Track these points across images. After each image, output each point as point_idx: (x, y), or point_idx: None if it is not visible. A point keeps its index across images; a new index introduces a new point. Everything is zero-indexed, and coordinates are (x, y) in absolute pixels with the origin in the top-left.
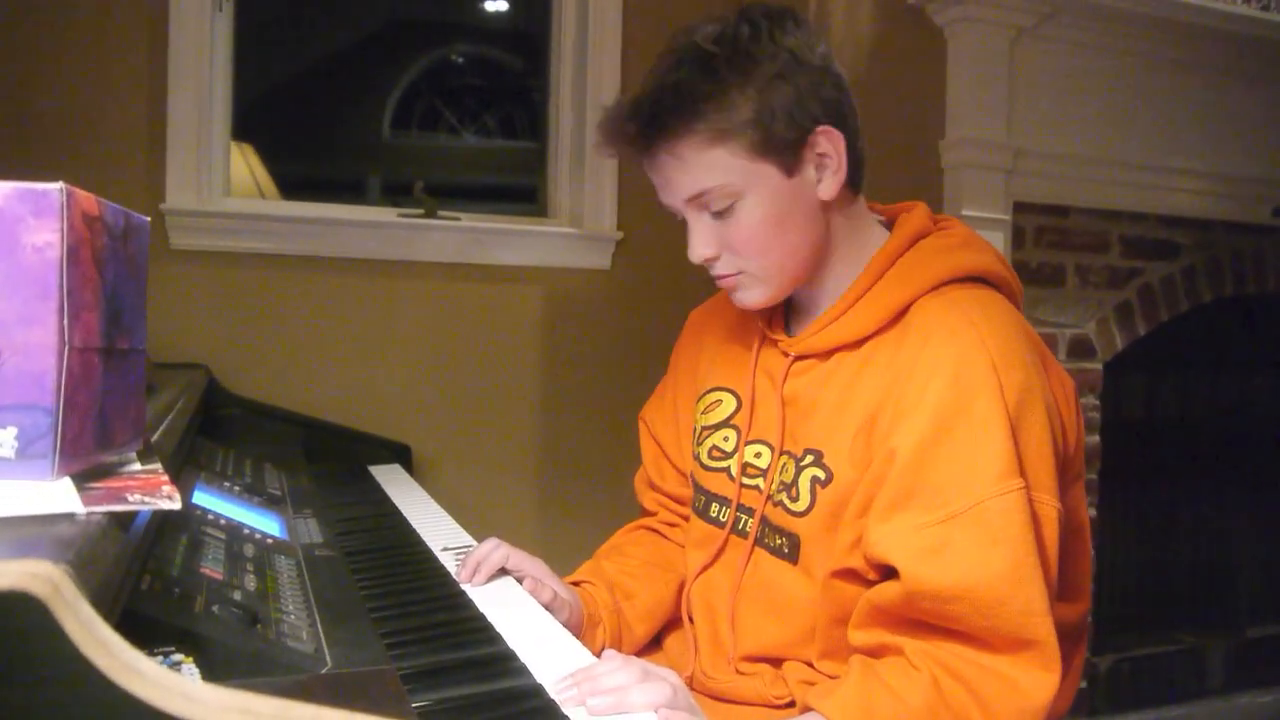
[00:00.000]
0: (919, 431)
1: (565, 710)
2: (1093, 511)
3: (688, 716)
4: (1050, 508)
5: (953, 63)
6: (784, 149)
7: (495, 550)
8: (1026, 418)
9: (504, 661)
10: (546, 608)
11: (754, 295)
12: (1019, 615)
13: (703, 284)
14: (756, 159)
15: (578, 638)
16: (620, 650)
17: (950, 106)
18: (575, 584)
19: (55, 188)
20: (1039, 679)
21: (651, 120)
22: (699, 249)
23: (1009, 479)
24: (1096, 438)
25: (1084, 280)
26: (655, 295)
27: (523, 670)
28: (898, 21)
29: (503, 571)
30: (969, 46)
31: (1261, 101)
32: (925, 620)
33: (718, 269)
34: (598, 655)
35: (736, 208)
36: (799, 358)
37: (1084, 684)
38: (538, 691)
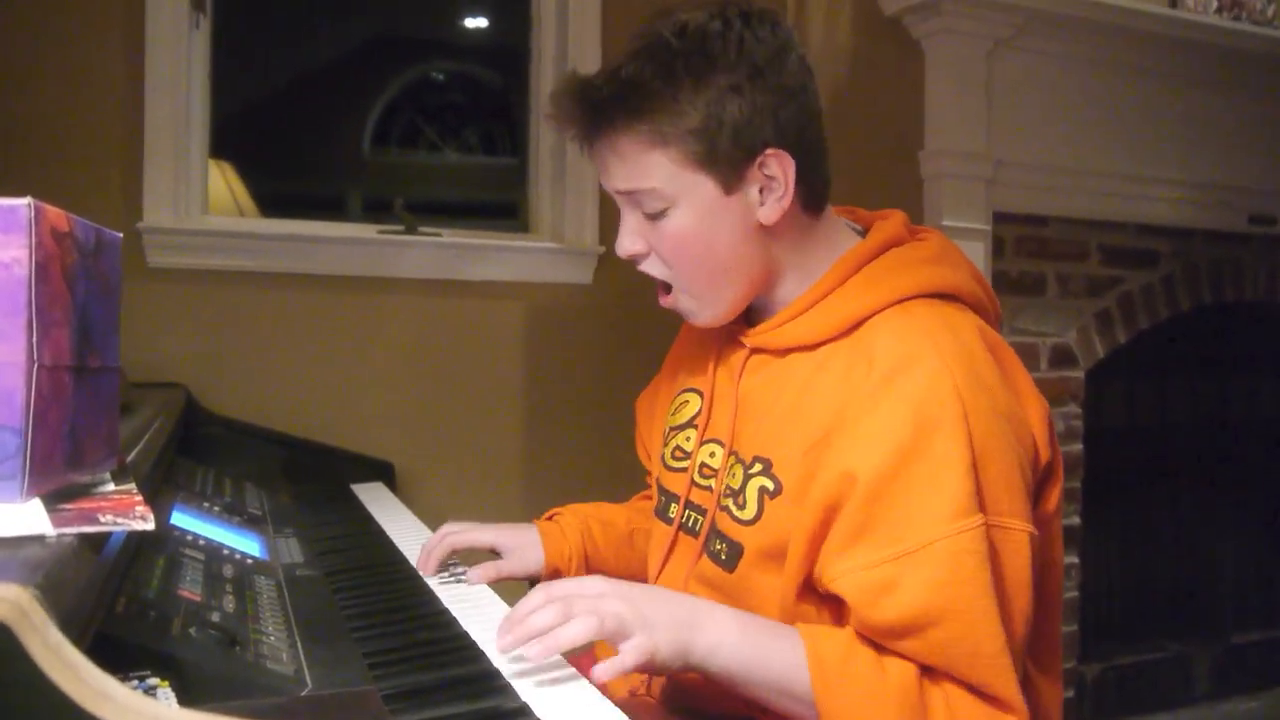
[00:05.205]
0: (877, 463)
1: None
2: (1076, 519)
3: (622, 634)
4: (1019, 532)
5: (931, 74)
6: (725, 164)
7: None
8: (992, 444)
9: (488, 680)
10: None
11: (701, 318)
12: (968, 657)
13: None
14: (694, 169)
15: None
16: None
17: (929, 117)
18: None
19: (23, 203)
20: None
21: (597, 108)
22: (625, 243)
23: (965, 517)
24: (1079, 445)
25: (1064, 289)
26: (638, 309)
27: (507, 689)
28: (875, 33)
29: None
30: (947, 58)
31: (1237, 110)
32: None
33: (646, 267)
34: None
35: (668, 214)
36: (755, 351)
37: (1070, 693)
38: (523, 710)
